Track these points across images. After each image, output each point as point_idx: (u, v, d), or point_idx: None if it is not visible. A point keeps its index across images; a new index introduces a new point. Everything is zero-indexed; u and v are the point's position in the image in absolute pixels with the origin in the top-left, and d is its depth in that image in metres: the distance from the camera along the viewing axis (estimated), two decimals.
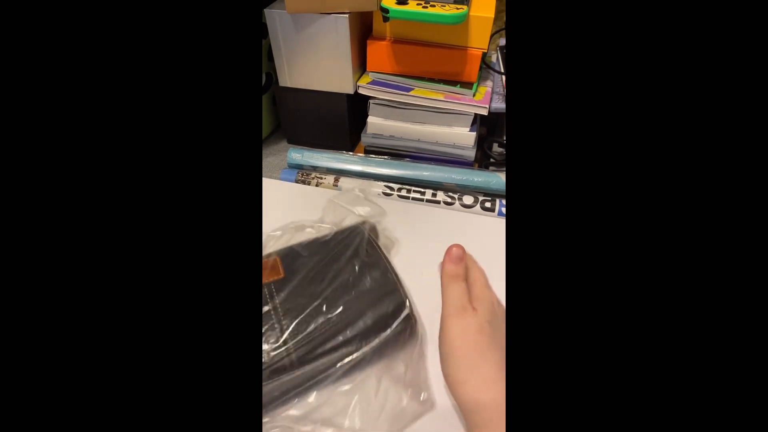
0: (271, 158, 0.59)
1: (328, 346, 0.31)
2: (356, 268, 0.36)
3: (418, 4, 0.43)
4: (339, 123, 0.56)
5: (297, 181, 0.53)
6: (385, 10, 0.43)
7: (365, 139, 0.56)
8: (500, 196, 0.50)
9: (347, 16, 0.46)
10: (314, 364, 0.31)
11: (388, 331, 0.32)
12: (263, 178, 0.53)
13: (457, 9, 0.43)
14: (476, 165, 0.55)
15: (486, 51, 0.49)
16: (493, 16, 0.46)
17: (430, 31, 0.48)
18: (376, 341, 0.32)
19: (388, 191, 0.51)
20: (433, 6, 0.43)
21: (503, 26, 0.59)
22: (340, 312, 0.33)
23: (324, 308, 0.33)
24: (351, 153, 0.55)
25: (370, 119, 0.54)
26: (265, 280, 0.35)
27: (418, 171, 0.52)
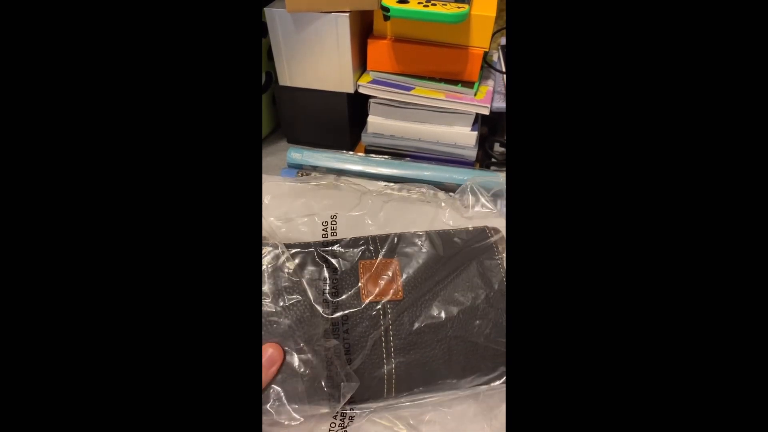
0: (271, 158, 0.58)
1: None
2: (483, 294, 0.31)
3: (419, 3, 0.43)
4: (339, 122, 0.56)
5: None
6: (386, 9, 0.43)
7: (365, 139, 0.55)
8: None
9: (348, 14, 0.46)
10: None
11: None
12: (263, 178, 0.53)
13: (459, 8, 0.42)
14: (477, 165, 0.55)
15: (487, 50, 0.49)
16: (494, 15, 0.46)
17: (431, 30, 0.48)
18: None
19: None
20: (434, 5, 0.43)
21: (504, 25, 0.58)
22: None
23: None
24: (351, 152, 0.54)
25: (371, 118, 0.54)
26: (376, 296, 0.30)
27: (418, 171, 0.51)
